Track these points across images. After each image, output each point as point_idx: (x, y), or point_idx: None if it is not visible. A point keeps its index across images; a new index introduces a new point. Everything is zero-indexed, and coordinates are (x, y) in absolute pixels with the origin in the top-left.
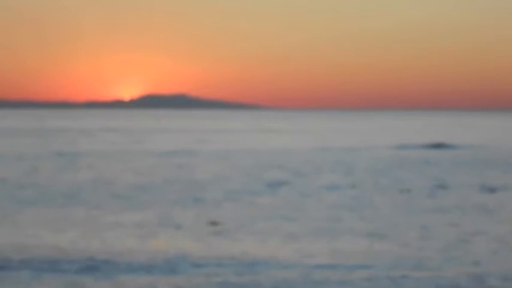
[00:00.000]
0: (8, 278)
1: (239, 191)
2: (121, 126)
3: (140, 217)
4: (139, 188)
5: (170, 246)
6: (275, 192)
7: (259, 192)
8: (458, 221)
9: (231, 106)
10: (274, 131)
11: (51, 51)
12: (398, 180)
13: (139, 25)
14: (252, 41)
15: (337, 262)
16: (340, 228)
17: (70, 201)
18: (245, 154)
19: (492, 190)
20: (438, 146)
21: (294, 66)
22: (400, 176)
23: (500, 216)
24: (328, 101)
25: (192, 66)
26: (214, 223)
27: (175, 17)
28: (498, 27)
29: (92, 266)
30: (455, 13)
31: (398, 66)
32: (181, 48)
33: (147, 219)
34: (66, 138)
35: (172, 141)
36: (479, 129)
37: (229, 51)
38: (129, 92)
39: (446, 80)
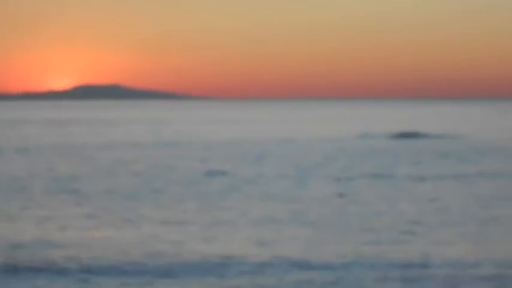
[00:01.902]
0: None
1: (178, 181)
2: (54, 118)
3: (84, 211)
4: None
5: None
6: (212, 181)
7: (197, 182)
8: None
9: (164, 96)
10: (224, 121)
11: None
12: (339, 170)
13: (73, 16)
14: (183, 32)
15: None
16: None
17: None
18: (190, 144)
19: (423, 179)
20: (408, 135)
21: (227, 55)
22: (341, 166)
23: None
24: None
25: (125, 56)
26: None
27: (107, 9)
28: (465, 21)
29: None
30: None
31: (357, 56)
32: (114, 39)
33: (92, 212)
34: None
35: (117, 133)
36: (445, 118)
37: (162, 42)
38: (62, 82)
39: (409, 69)
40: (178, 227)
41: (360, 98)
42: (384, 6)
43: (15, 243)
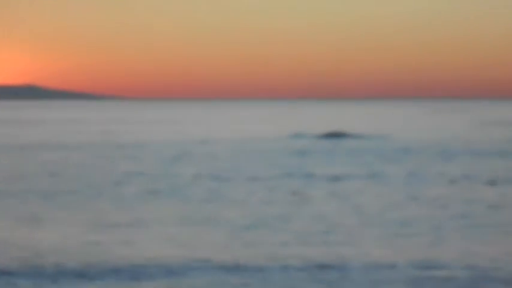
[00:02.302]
0: None
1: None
2: None
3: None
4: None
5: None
6: (128, 182)
7: (113, 183)
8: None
9: (80, 96)
10: (143, 122)
11: None
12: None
13: None
14: (98, 31)
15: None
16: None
17: None
18: (106, 145)
19: (337, 178)
20: (335, 135)
21: (145, 55)
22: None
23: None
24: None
25: (39, 56)
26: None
27: (22, 8)
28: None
29: None
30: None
31: (296, 57)
32: (27, 38)
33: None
34: None
35: (32, 134)
36: (379, 117)
37: (76, 40)
38: None
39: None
40: (93, 229)
41: (300, 98)
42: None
43: None
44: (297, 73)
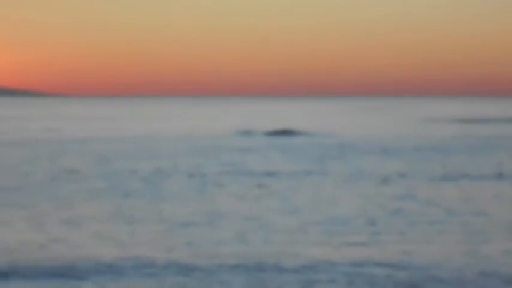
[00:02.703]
0: None
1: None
2: None
3: None
4: None
5: None
6: (65, 181)
7: (49, 181)
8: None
9: (15, 93)
10: (82, 119)
11: None
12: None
13: None
14: (32, 27)
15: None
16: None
17: None
18: (44, 142)
19: (274, 175)
20: (282, 132)
21: (84, 51)
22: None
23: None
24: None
25: None
26: None
27: None
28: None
29: None
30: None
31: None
32: None
33: None
34: None
35: None
36: (330, 115)
37: (10, 36)
38: None
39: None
40: (28, 226)
41: (254, 95)
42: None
43: None
44: (251, 71)
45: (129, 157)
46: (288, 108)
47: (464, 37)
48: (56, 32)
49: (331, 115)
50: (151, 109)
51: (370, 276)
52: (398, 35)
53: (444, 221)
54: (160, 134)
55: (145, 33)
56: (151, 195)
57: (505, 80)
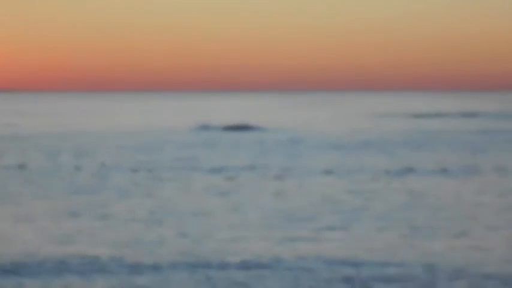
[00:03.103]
0: None
1: None
2: None
3: None
4: None
5: None
6: (8, 176)
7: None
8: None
9: None
10: (26, 114)
11: None
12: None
13: None
14: None
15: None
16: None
17: None
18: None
19: (220, 170)
20: (239, 127)
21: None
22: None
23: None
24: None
25: None
26: None
27: None
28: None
29: None
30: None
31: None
32: None
33: None
34: None
35: None
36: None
37: None
38: None
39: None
40: None
41: (212, 90)
42: None
43: None
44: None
45: (78, 153)
46: (244, 103)
47: (410, 32)
48: (18, 27)
49: (286, 110)
50: (112, 104)
51: (314, 272)
52: (346, 31)
53: (388, 216)
54: (117, 129)
55: (107, 29)
56: (96, 190)
57: (452, 74)
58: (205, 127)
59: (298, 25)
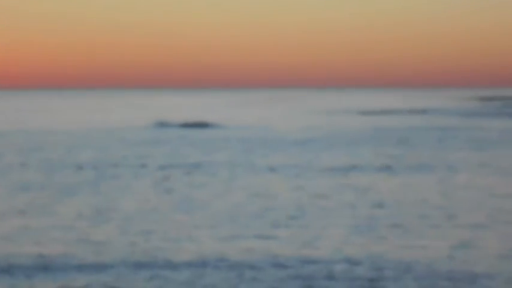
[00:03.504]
0: None
1: None
2: None
3: None
4: None
5: None
6: None
7: None
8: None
9: None
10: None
11: None
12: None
13: None
14: None
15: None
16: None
17: None
18: None
19: (163, 168)
20: (196, 125)
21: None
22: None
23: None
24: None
25: None
26: None
27: None
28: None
29: None
30: None
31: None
32: None
33: None
34: None
35: None
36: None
37: None
38: None
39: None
40: None
41: (169, 88)
42: None
43: None
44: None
45: (25, 150)
46: (201, 100)
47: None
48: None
49: (243, 107)
50: (69, 101)
51: (260, 270)
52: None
53: (333, 213)
54: (70, 126)
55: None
56: (42, 188)
57: (404, 72)
58: (162, 124)
59: (254, 23)
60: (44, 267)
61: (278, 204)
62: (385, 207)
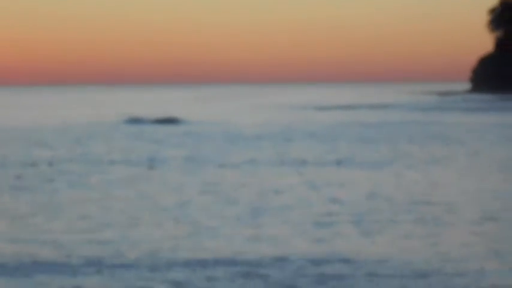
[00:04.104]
0: None
1: None
2: None
3: None
4: None
5: None
6: None
7: None
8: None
9: None
10: None
11: None
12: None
13: None
14: None
15: None
16: None
17: None
18: None
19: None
20: (167, 121)
21: None
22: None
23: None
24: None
25: None
26: None
27: None
28: None
29: None
30: None
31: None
32: None
33: None
34: None
35: None
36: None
37: None
38: None
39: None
40: None
41: (137, 84)
42: None
43: None
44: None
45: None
46: (169, 96)
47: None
48: None
49: (209, 102)
50: (36, 98)
51: (210, 269)
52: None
53: (283, 210)
54: (39, 123)
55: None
56: None
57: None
58: (135, 120)
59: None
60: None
61: (224, 199)
62: (340, 202)
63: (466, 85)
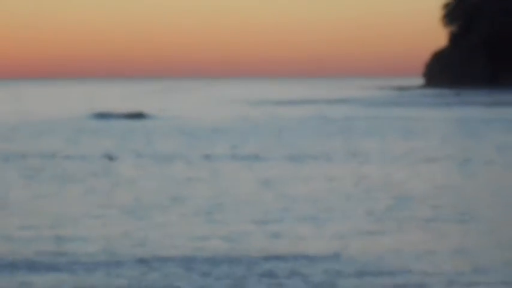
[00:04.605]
0: None
1: None
2: None
3: None
4: None
5: None
6: None
7: None
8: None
9: None
10: None
11: None
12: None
13: None
14: None
15: None
16: None
17: None
18: None
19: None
20: (134, 116)
21: None
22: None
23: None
24: None
25: None
26: None
27: None
28: None
29: None
30: None
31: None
32: None
33: None
34: None
35: None
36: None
37: None
38: None
39: None
40: None
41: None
42: None
43: None
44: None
45: None
46: (131, 91)
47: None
48: None
49: (169, 95)
50: (2, 92)
51: (164, 266)
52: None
53: (236, 205)
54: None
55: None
56: None
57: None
58: (101, 115)
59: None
60: None
61: (172, 195)
62: (293, 198)
63: (419, 80)
